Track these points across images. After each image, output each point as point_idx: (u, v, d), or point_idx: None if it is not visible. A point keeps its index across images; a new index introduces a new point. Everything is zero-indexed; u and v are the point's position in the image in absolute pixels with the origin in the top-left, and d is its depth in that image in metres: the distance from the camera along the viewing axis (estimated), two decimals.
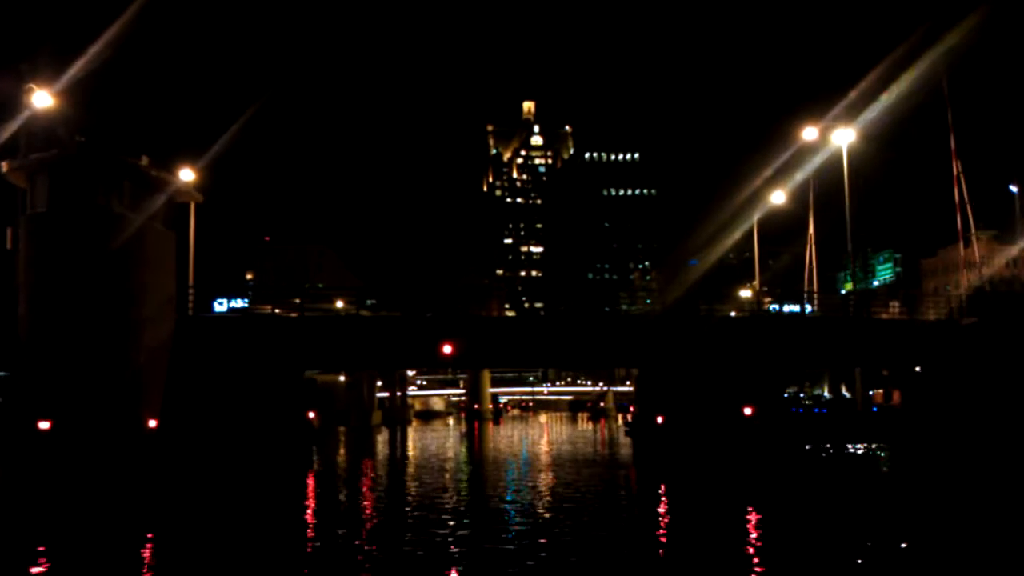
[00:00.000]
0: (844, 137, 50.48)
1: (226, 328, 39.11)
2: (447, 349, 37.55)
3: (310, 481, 36.28)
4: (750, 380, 37.74)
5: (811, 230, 57.20)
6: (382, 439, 76.83)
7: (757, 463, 36.01)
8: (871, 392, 69.74)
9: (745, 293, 49.87)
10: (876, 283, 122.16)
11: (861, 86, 50.00)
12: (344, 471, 42.47)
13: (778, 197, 53.68)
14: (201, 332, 37.96)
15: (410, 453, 55.89)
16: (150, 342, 33.46)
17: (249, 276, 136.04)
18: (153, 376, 33.69)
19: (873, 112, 52.87)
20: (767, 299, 50.81)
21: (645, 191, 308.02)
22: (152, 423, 32.74)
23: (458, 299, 42.89)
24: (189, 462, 33.48)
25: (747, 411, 36.89)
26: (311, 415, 48.90)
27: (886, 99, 50.21)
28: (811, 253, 56.96)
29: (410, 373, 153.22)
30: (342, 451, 57.82)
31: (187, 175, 43.98)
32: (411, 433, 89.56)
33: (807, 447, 43.49)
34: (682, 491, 31.29)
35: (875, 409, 64.34)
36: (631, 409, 53.46)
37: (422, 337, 38.65)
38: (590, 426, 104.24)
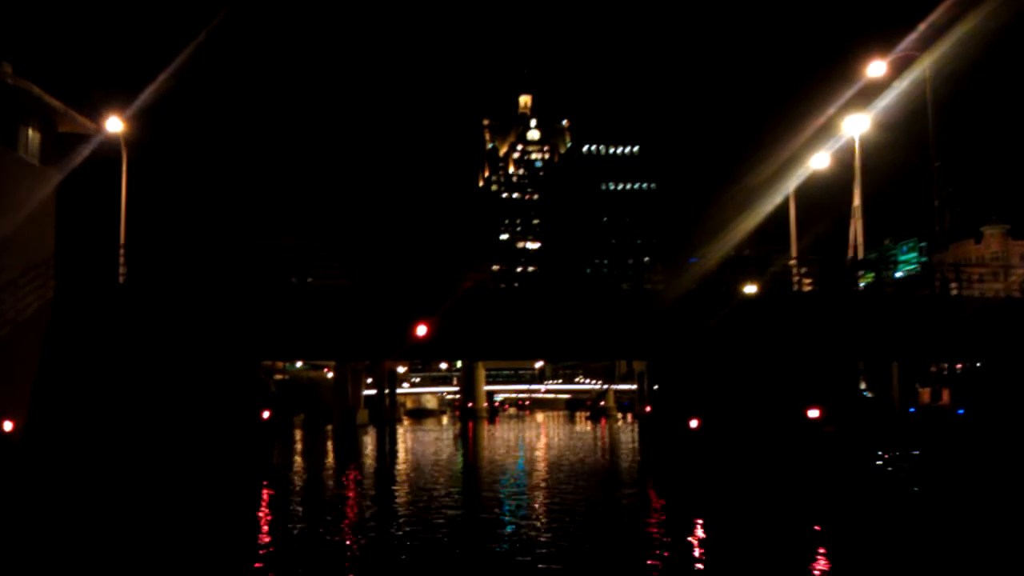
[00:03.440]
0: (856, 126, 43.78)
1: (142, 302, 30.89)
2: (421, 330, 29.27)
3: (260, 499, 27.94)
4: (814, 374, 29.35)
5: (856, 201, 49.00)
6: (366, 440, 69.40)
7: (828, 480, 27.46)
8: (904, 391, 61.70)
9: (750, 288, 41.37)
10: (898, 275, 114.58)
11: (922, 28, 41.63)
12: (303, 485, 33.99)
13: (821, 160, 45.79)
14: (106, 306, 29.83)
15: (397, 459, 47.88)
16: (9, 316, 24.97)
17: None
18: (14, 362, 25.21)
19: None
20: (807, 281, 42.48)
21: (645, 185, 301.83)
22: (7, 425, 24.28)
23: (437, 271, 34.34)
24: (68, 479, 25.11)
25: (812, 413, 28.52)
26: (266, 414, 40.59)
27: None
28: (856, 227, 48.78)
29: (401, 370, 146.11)
30: (300, 457, 49.66)
31: (115, 124, 37.16)
32: (400, 433, 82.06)
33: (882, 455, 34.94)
34: (731, 526, 22.71)
35: (912, 410, 56.48)
36: (647, 409, 45.25)
37: (389, 315, 30.33)
38: (589, 427, 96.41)
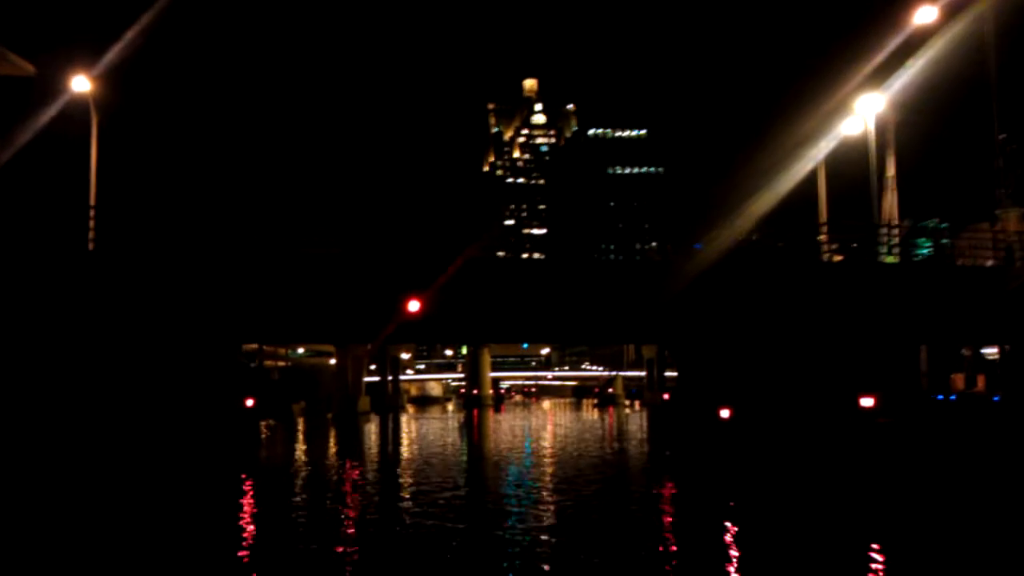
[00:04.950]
0: (871, 105, 40.17)
1: (116, 272, 27.55)
2: (413, 306, 25.75)
3: (228, 501, 24.42)
4: (867, 357, 25.73)
5: (892, 171, 45.29)
6: (367, 429, 66.22)
7: (884, 479, 23.84)
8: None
9: (784, 262, 37.56)
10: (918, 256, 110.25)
11: None
12: (283, 483, 30.38)
13: (853, 126, 42.12)
14: (72, 277, 26.54)
15: (397, 451, 44.57)
16: None
17: None
18: None
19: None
20: (837, 257, 38.91)
21: (652, 169, 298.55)
22: None
23: (431, 241, 30.72)
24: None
25: (865, 402, 24.92)
26: (250, 402, 37.21)
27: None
28: (893, 198, 45.13)
29: (405, 356, 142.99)
30: (290, 448, 46.25)
31: (82, 83, 34.03)
32: (403, 422, 78.87)
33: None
34: (776, 536, 19.05)
35: (940, 397, 52.91)
36: (664, 397, 41.70)
37: (378, 289, 26.83)
38: (596, 414, 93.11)
